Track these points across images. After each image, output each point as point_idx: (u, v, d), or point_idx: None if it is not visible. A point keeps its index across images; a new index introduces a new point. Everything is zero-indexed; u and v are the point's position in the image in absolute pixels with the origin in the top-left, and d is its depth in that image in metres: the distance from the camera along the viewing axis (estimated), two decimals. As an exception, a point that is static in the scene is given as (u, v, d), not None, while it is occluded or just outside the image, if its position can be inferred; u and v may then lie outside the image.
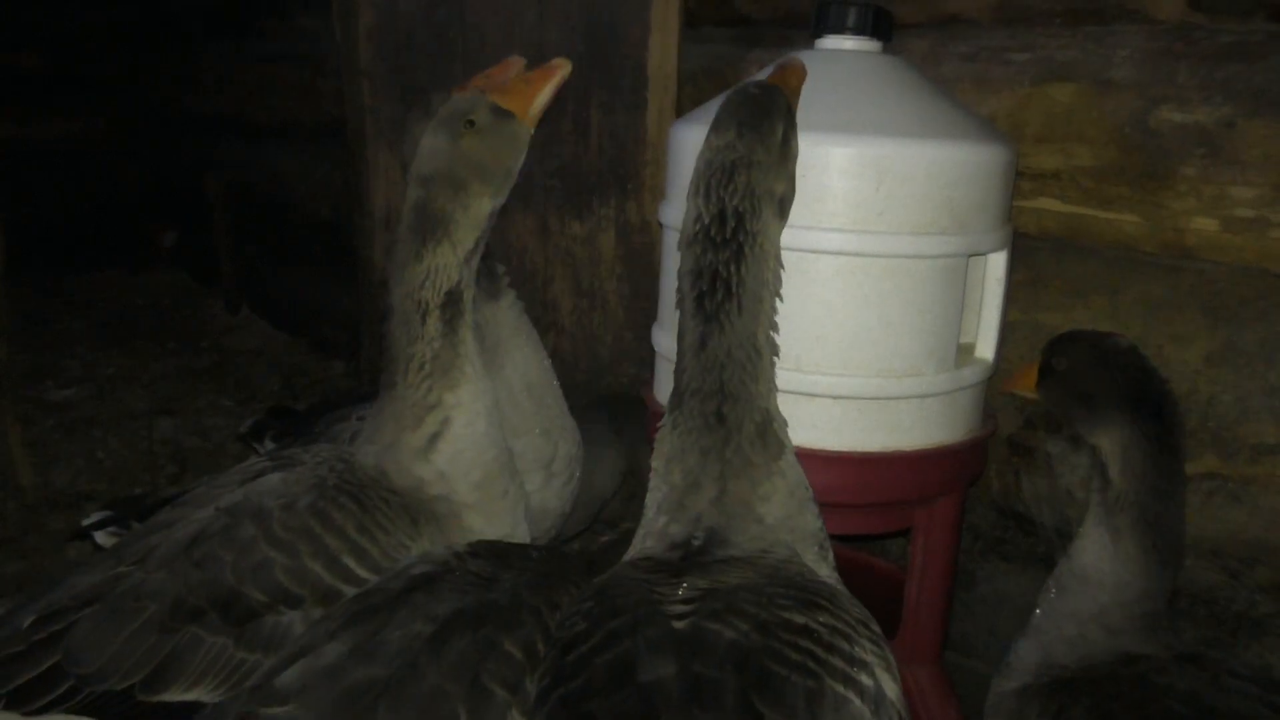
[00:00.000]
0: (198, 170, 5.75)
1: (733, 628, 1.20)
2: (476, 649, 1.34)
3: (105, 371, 4.57)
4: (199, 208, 5.75)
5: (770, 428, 1.46)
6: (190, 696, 1.57)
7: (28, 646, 1.61)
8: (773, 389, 1.48)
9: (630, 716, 1.13)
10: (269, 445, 2.59)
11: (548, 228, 3.14)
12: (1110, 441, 1.69)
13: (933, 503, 1.94)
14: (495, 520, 1.82)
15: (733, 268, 1.40)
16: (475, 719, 1.28)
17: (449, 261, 1.73)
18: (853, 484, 1.85)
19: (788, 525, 1.46)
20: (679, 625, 1.22)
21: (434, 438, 1.78)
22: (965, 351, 1.98)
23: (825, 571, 1.48)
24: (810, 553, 1.48)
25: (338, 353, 4.65)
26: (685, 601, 1.26)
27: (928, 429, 1.86)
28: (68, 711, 1.60)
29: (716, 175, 1.42)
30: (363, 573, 1.64)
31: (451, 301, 1.74)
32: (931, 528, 1.95)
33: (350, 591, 1.61)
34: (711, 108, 1.97)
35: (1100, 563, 1.68)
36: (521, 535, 1.89)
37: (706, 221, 1.42)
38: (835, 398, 1.81)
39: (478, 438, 1.81)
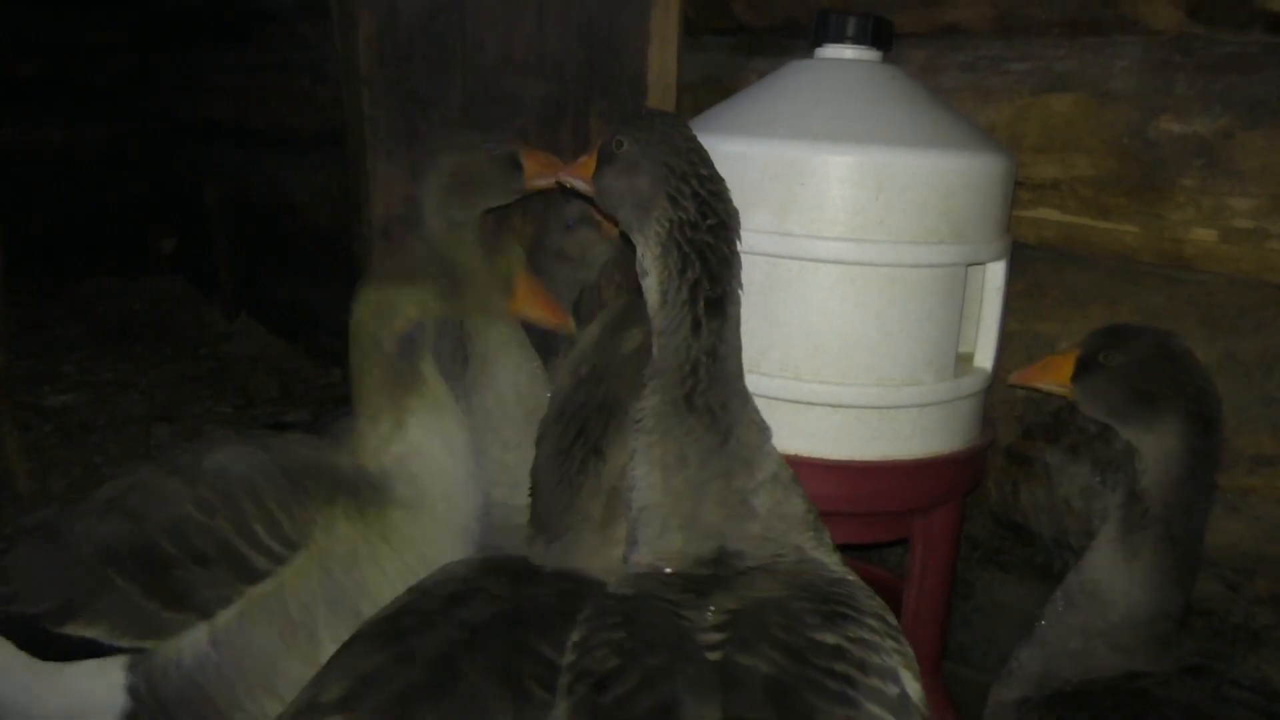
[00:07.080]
0: (197, 177, 5.76)
1: (767, 660, 1.20)
2: (513, 650, 1.39)
3: (103, 377, 4.56)
4: (198, 215, 5.75)
5: (756, 416, 1.47)
6: (89, 634, 1.68)
7: None
8: (742, 373, 1.49)
9: None
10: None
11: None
12: (1153, 448, 1.61)
13: (931, 512, 1.93)
14: (427, 527, 1.88)
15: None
16: (519, 718, 1.31)
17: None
18: (851, 493, 1.85)
19: (777, 513, 1.45)
20: (713, 658, 1.21)
21: (387, 438, 1.90)
22: (964, 361, 1.98)
23: (830, 559, 1.46)
24: (806, 539, 1.46)
25: (335, 360, 4.64)
26: (717, 629, 1.26)
27: (926, 438, 1.86)
28: None
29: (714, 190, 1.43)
30: (270, 542, 1.74)
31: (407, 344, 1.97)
32: (929, 537, 1.95)
33: (257, 559, 1.72)
34: (711, 117, 1.98)
35: (1113, 580, 1.62)
36: (455, 551, 1.90)
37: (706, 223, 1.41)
38: (834, 406, 1.81)
39: (435, 453, 1.90)
